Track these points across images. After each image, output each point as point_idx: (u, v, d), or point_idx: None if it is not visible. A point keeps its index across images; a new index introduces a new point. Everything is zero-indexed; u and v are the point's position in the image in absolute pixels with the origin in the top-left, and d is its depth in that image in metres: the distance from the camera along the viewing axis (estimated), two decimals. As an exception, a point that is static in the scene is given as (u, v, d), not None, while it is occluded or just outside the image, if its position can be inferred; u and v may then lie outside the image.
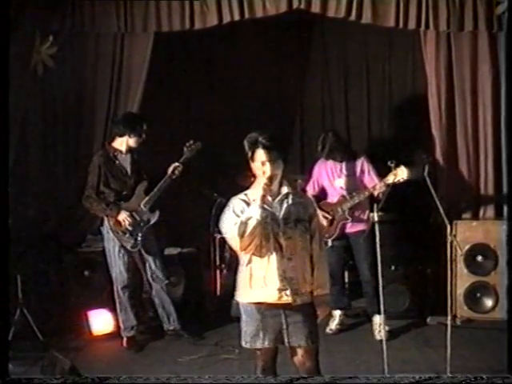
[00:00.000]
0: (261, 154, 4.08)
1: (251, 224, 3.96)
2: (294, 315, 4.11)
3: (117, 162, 6.34)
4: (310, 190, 6.58)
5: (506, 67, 6.46)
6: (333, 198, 6.60)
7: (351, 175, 6.54)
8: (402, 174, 5.92)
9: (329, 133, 6.64)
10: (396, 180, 5.97)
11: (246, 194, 4.16)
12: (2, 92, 4.81)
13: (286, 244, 4.10)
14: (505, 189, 6.76)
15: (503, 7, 6.45)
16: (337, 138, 6.63)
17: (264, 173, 4.08)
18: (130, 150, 6.36)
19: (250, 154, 4.13)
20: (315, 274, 4.19)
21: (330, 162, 6.61)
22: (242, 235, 3.97)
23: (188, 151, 6.39)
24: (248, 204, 4.07)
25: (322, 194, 6.70)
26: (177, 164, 6.33)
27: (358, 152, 6.86)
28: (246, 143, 4.15)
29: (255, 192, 4.09)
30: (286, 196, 4.17)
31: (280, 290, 4.07)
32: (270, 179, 4.06)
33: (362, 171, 6.55)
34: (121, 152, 6.35)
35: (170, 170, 6.32)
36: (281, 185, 4.18)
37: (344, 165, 6.57)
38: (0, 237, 4.61)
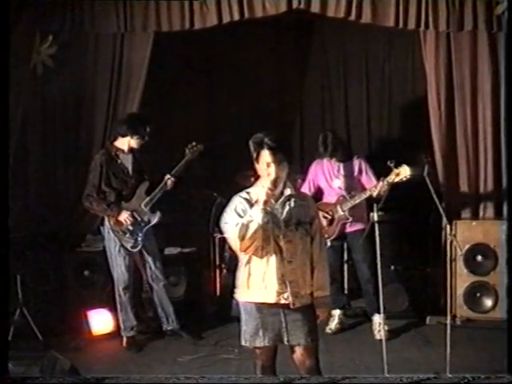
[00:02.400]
0: (266, 156, 4.04)
1: (252, 227, 3.94)
2: (293, 314, 4.11)
3: (119, 161, 6.33)
4: (306, 191, 6.50)
5: (506, 67, 6.46)
6: (330, 198, 6.60)
7: (349, 175, 6.55)
8: (404, 172, 5.91)
9: (328, 132, 6.65)
10: (399, 179, 5.96)
11: (248, 193, 4.13)
12: (2, 92, 4.80)
13: (286, 247, 4.08)
14: (505, 188, 6.78)
15: (503, 7, 6.45)
16: (336, 137, 6.65)
17: (269, 174, 4.05)
18: (131, 149, 6.36)
19: (254, 155, 4.10)
20: (315, 275, 4.18)
21: (327, 163, 6.62)
22: (242, 238, 3.95)
23: (190, 153, 6.39)
24: (250, 203, 4.05)
25: (317, 194, 6.69)
26: (168, 176, 6.31)
27: (355, 152, 6.87)
28: (251, 144, 4.11)
29: (258, 191, 4.06)
30: (289, 198, 4.14)
31: (278, 293, 4.07)
32: (275, 182, 4.03)
33: (360, 171, 6.55)
34: (123, 151, 6.34)
35: (165, 180, 6.31)
36: (284, 186, 4.15)
37: (342, 165, 6.57)
38: (0, 236, 4.60)
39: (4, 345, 4.65)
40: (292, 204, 4.14)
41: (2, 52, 4.80)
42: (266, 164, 4.05)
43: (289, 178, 4.20)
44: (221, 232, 4.35)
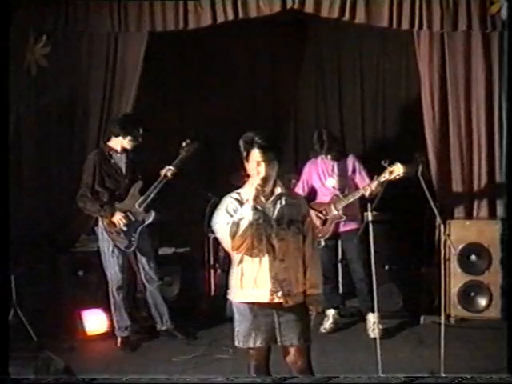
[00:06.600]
0: (256, 155, 4.06)
1: (243, 225, 3.95)
2: (286, 314, 4.12)
3: (112, 161, 6.32)
4: (300, 191, 6.50)
5: (507, 67, 6.46)
6: (324, 197, 6.61)
7: (343, 174, 6.55)
8: (398, 170, 5.92)
9: (323, 130, 6.66)
10: (392, 177, 5.97)
11: (238, 193, 4.14)
12: (2, 93, 4.79)
13: (278, 245, 4.09)
14: (499, 187, 6.80)
15: (498, 6, 6.46)
16: (331, 134, 6.67)
17: (258, 173, 4.06)
18: (125, 149, 6.35)
19: (245, 153, 4.11)
20: (308, 274, 4.19)
21: (321, 162, 6.62)
22: (233, 236, 3.96)
23: (184, 151, 6.37)
24: (241, 203, 4.06)
25: (311, 195, 6.70)
26: (169, 167, 6.31)
27: (349, 151, 6.88)
28: (241, 143, 4.12)
29: (248, 191, 4.07)
30: (280, 197, 4.15)
31: (272, 292, 4.07)
32: (265, 180, 4.04)
33: (354, 170, 6.56)
34: (116, 151, 6.33)
35: (163, 172, 6.31)
36: (274, 185, 4.17)
37: (336, 164, 6.58)
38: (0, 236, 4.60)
39: (3, 345, 4.64)
40: (283, 202, 4.15)
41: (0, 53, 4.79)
42: (256, 163, 4.07)
43: (280, 177, 4.21)
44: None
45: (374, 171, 6.29)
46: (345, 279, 7.12)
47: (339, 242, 6.79)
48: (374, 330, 6.26)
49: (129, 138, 6.26)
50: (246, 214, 3.96)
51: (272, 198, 4.14)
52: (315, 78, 8.48)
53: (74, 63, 6.95)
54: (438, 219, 5.80)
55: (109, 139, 6.40)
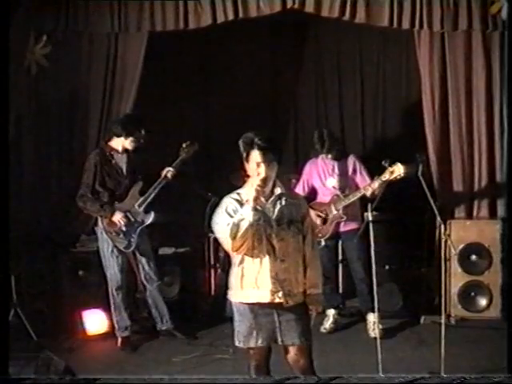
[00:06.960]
0: (256, 155, 4.06)
1: (243, 226, 3.94)
2: (286, 314, 4.12)
3: (113, 161, 6.32)
4: (300, 191, 6.52)
5: (507, 66, 6.46)
6: (324, 197, 6.61)
7: (343, 174, 6.55)
8: (398, 170, 5.92)
9: (323, 129, 6.66)
10: (393, 177, 5.97)
11: (238, 194, 4.14)
12: (1, 93, 4.79)
13: (278, 246, 4.09)
14: (501, 187, 6.80)
15: (499, 6, 6.45)
16: (332, 134, 6.67)
17: (258, 174, 4.06)
18: (126, 150, 6.34)
19: (244, 154, 4.11)
20: (308, 274, 4.20)
21: (322, 162, 6.62)
22: (234, 237, 3.96)
23: (184, 152, 6.38)
24: (241, 204, 4.06)
25: (311, 195, 6.70)
26: (169, 168, 6.31)
27: (349, 151, 6.88)
28: (241, 143, 4.12)
29: (248, 192, 4.07)
30: (279, 197, 4.16)
31: (272, 292, 4.07)
32: (264, 181, 4.05)
33: (354, 170, 6.56)
34: (117, 151, 6.33)
35: (163, 173, 6.30)
36: (274, 185, 4.17)
37: (336, 164, 6.58)
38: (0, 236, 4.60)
39: (3, 345, 4.63)
40: (283, 202, 4.15)
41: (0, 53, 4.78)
42: (255, 164, 4.07)
43: (279, 178, 4.21)
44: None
45: (374, 171, 6.29)
46: (345, 279, 7.12)
47: (339, 242, 6.79)
48: (374, 329, 6.26)
49: (131, 138, 6.26)
50: (246, 215, 3.96)
51: (272, 199, 4.14)
52: (315, 77, 8.48)
53: (74, 63, 6.95)
54: (438, 219, 5.80)
55: (110, 139, 6.39)
